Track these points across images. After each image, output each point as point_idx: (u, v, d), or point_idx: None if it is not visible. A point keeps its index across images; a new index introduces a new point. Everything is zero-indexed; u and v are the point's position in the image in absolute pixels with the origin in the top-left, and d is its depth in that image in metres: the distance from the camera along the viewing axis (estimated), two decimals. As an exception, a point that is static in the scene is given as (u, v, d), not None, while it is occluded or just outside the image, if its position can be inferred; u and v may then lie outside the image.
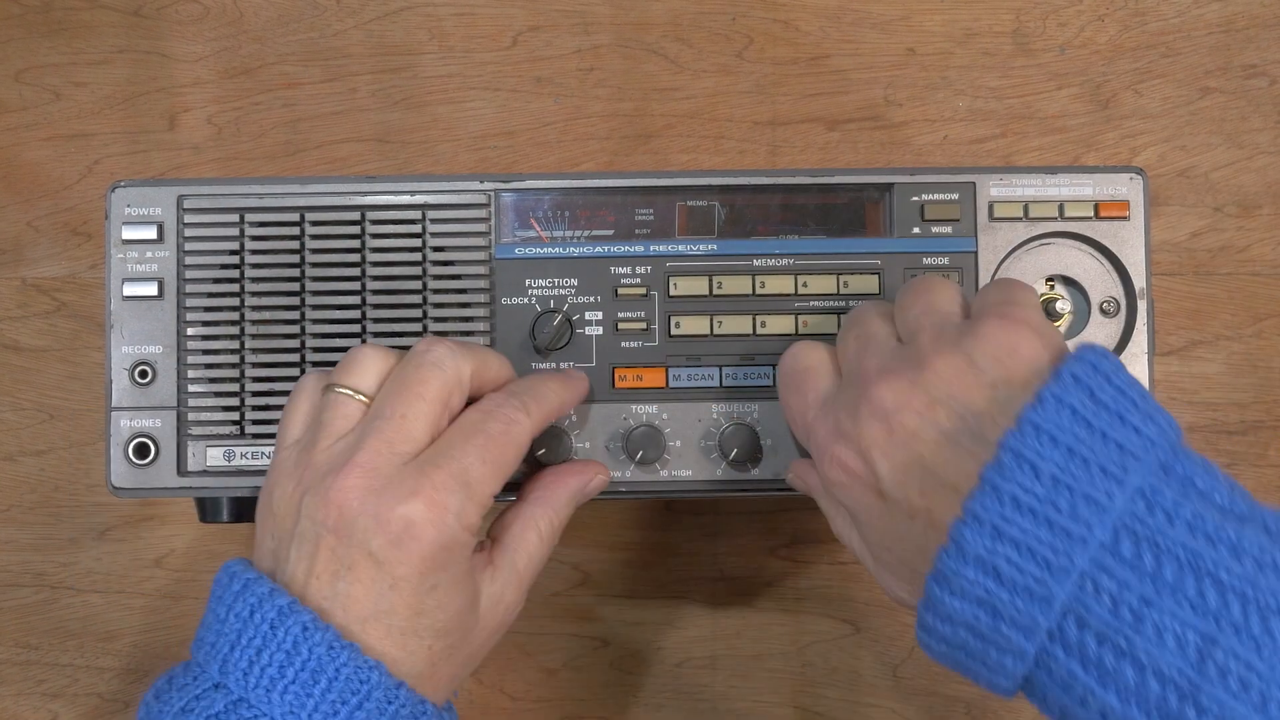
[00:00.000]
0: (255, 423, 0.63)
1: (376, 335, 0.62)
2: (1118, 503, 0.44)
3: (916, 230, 0.63)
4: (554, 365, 0.63)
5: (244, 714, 0.50)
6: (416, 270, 0.63)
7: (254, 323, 0.63)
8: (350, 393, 0.56)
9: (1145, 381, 0.63)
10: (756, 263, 0.63)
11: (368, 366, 0.56)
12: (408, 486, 0.52)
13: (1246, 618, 0.42)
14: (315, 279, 0.63)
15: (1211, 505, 0.45)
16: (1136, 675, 0.42)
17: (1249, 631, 0.41)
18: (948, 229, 0.63)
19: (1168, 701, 0.42)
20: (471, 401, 0.57)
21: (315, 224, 0.63)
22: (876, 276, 0.63)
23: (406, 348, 0.62)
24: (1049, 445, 0.45)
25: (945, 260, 0.63)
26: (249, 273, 0.63)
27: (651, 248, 0.63)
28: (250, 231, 0.63)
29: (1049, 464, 0.45)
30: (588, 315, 0.63)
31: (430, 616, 0.53)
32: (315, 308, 0.63)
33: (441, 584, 0.53)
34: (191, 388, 0.63)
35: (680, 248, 0.63)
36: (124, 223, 0.63)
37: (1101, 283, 0.63)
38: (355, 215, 0.63)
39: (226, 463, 0.63)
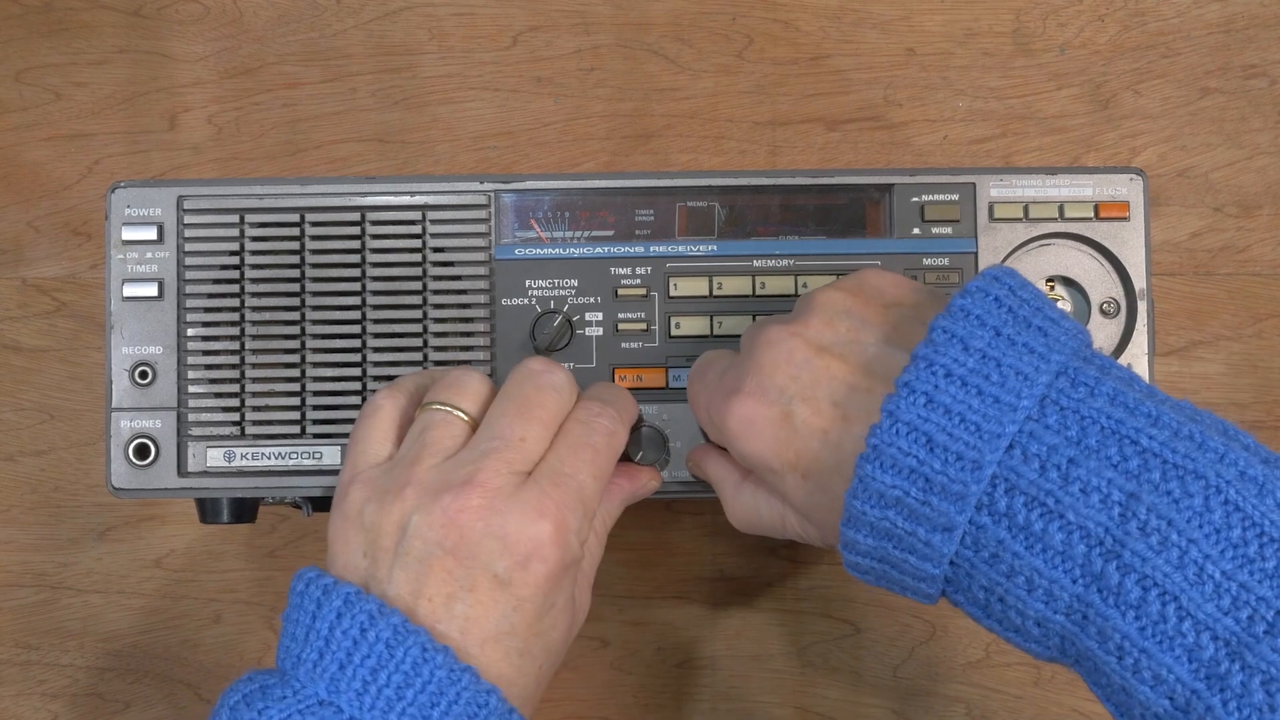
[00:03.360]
0: (256, 424, 0.63)
1: (377, 336, 0.62)
2: (1043, 377, 0.45)
3: (916, 231, 0.63)
4: (554, 366, 0.63)
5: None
6: (416, 271, 0.63)
7: (254, 323, 0.63)
8: (456, 411, 0.55)
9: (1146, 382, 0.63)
10: (756, 263, 0.63)
11: (472, 388, 0.57)
12: (532, 507, 0.52)
13: (1165, 479, 0.43)
14: (315, 279, 0.63)
15: (1130, 386, 0.46)
16: (1063, 535, 0.43)
17: (1168, 490, 0.43)
18: (948, 230, 0.63)
19: (1092, 561, 0.43)
20: None
21: (315, 225, 0.63)
22: (877, 277, 0.63)
23: (409, 349, 0.63)
24: (977, 325, 0.47)
25: (945, 261, 0.63)
26: (249, 273, 0.63)
27: (651, 248, 0.63)
28: (250, 232, 0.63)
29: (978, 340, 0.46)
30: (588, 316, 0.63)
31: (545, 636, 0.54)
32: (315, 308, 0.63)
33: (558, 603, 0.54)
34: (192, 388, 0.63)
35: (680, 248, 0.63)
36: (124, 223, 0.63)
37: (1101, 283, 0.63)
38: (355, 216, 0.63)
39: (227, 464, 0.63)
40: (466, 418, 0.55)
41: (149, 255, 0.63)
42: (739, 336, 0.63)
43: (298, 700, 0.50)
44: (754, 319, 0.63)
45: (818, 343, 0.51)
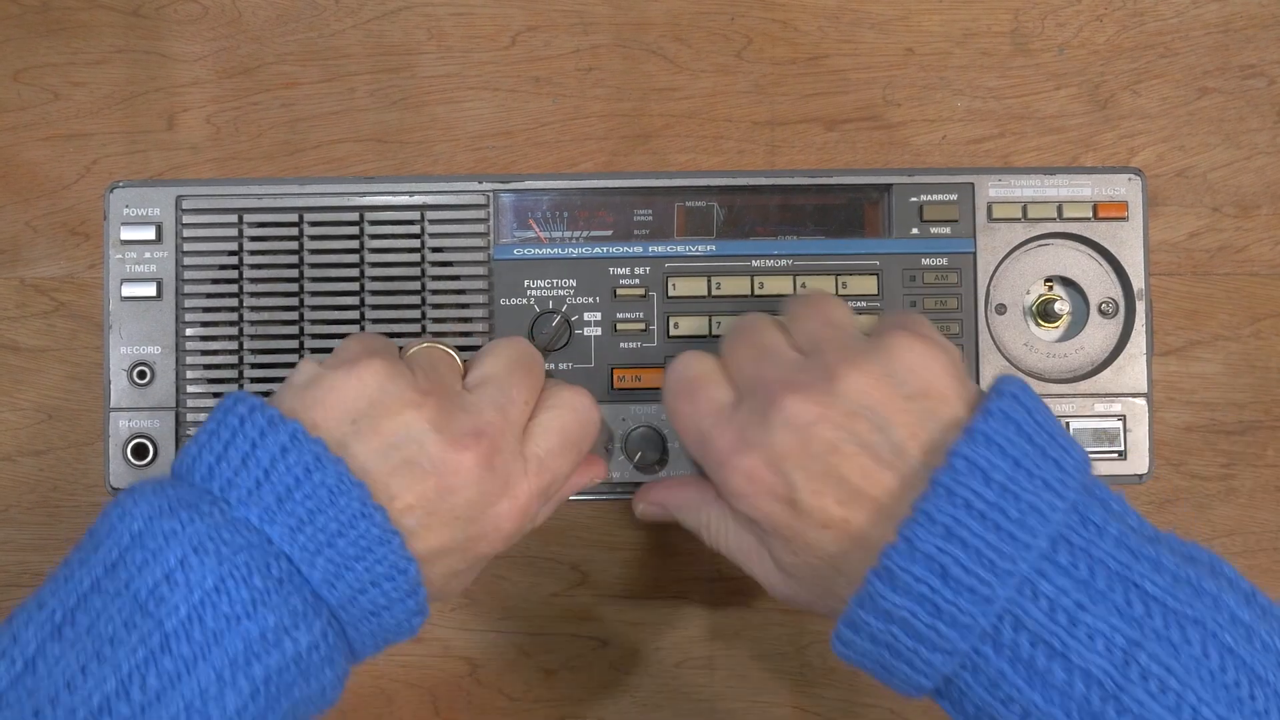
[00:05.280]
0: (254, 423, 0.63)
1: (375, 336, 0.62)
2: (1058, 514, 0.46)
3: (915, 231, 0.63)
4: (553, 366, 0.63)
5: (225, 511, 0.49)
6: (415, 271, 0.63)
7: (253, 323, 0.63)
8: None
9: (1144, 383, 0.63)
10: (755, 263, 0.63)
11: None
12: (518, 478, 0.54)
13: (1167, 626, 0.44)
14: (314, 279, 0.63)
15: (1128, 525, 0.48)
16: (1065, 675, 0.44)
17: (1169, 638, 0.44)
18: (946, 230, 0.63)
19: (1090, 701, 0.44)
20: None
21: (314, 224, 0.63)
22: (875, 277, 0.63)
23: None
24: (998, 454, 0.47)
25: (944, 261, 0.63)
26: (248, 273, 0.63)
27: (650, 248, 0.63)
28: (249, 232, 0.63)
29: (998, 473, 0.47)
30: (586, 316, 0.63)
31: (474, 570, 0.56)
32: (314, 308, 0.63)
33: (486, 557, 0.55)
34: (190, 388, 0.63)
35: (679, 248, 0.63)
36: (122, 223, 0.63)
37: (1100, 283, 0.63)
38: (354, 216, 0.63)
39: (225, 463, 0.63)
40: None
41: (147, 255, 0.63)
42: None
43: (228, 522, 0.49)
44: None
45: (836, 437, 0.50)
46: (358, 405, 0.52)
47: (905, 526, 0.46)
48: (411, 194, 0.63)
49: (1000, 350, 0.63)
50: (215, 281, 0.63)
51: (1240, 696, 0.43)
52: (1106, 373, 0.63)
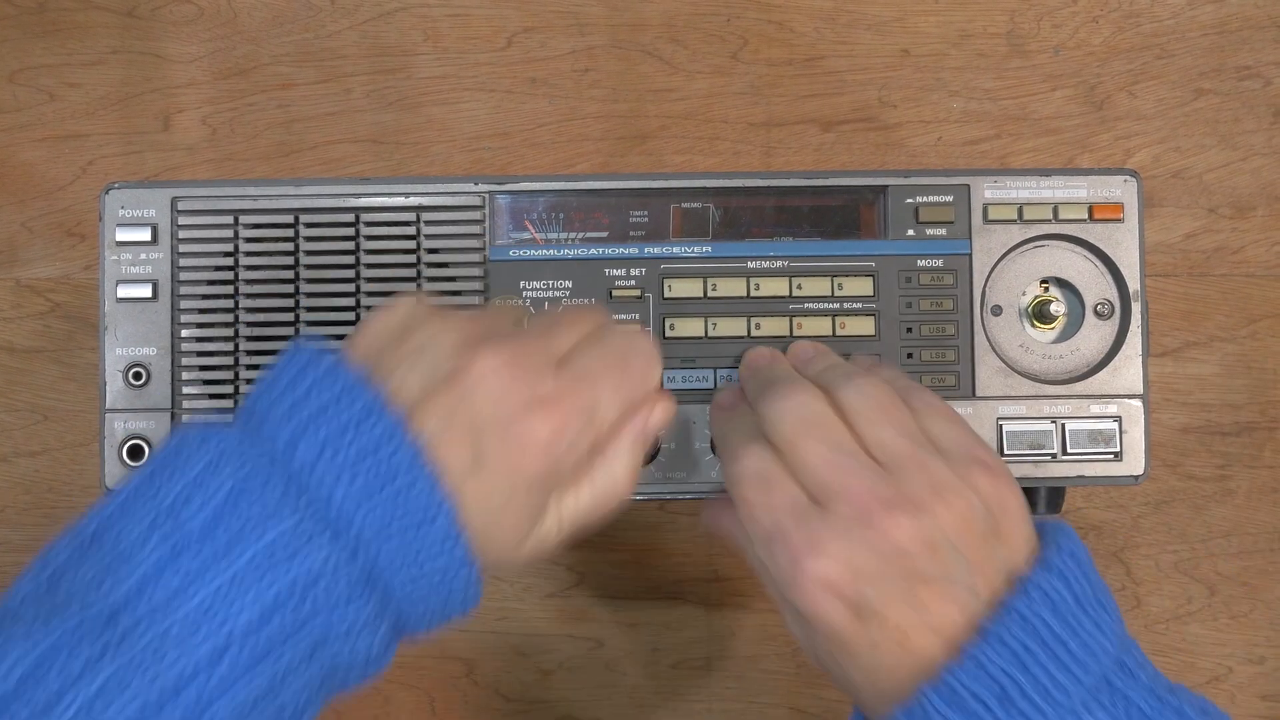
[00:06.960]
0: (250, 425, 0.63)
1: (371, 337, 0.62)
2: (1106, 655, 0.48)
3: (911, 232, 0.63)
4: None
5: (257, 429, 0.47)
6: (411, 272, 0.63)
7: (249, 325, 0.63)
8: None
9: (1140, 384, 0.63)
10: (751, 265, 0.63)
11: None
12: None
13: None
14: (310, 280, 0.63)
15: (1154, 672, 0.51)
16: None
17: None
18: (942, 231, 0.63)
19: None
20: None
21: (310, 226, 0.63)
22: (871, 279, 0.63)
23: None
24: (1065, 589, 0.49)
25: (940, 262, 0.63)
26: (243, 275, 0.63)
27: (646, 250, 0.63)
28: (245, 233, 0.63)
29: (1065, 607, 0.49)
30: (582, 317, 0.63)
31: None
32: (310, 310, 0.62)
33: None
34: (186, 390, 0.63)
35: (675, 250, 0.63)
36: (118, 224, 0.63)
37: (1096, 285, 0.63)
38: (350, 217, 0.63)
39: (221, 465, 0.63)
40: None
41: (143, 256, 0.63)
42: (733, 339, 0.63)
43: (251, 434, 0.47)
44: (749, 321, 0.63)
45: (921, 567, 0.50)
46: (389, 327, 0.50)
47: (974, 646, 0.47)
48: (407, 195, 0.63)
49: (996, 352, 0.63)
50: (211, 283, 0.63)
51: None
52: (1102, 374, 0.63)
